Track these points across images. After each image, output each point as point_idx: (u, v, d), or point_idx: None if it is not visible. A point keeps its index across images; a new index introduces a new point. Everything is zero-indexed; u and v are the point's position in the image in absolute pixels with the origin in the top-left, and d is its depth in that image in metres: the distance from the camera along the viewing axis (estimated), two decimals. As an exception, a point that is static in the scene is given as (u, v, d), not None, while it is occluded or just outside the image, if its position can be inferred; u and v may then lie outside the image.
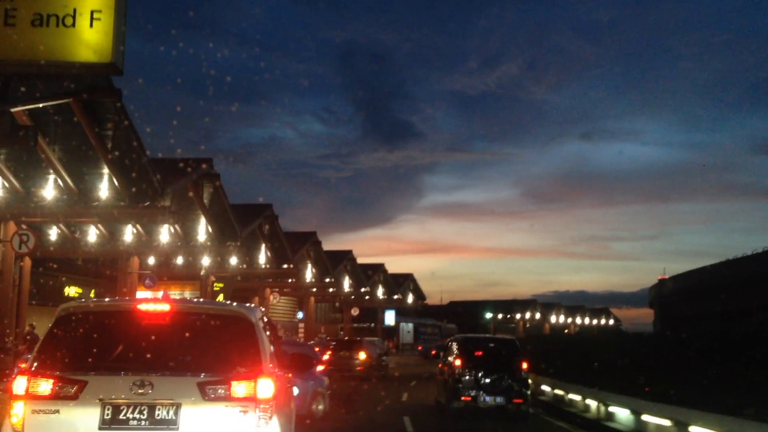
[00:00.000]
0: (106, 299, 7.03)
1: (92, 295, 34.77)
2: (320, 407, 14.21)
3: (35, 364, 5.54)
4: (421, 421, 15.91)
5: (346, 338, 35.01)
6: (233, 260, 36.28)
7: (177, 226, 28.18)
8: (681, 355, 12.95)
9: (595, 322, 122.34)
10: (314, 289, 49.97)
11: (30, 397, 5.37)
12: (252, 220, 33.11)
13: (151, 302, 5.89)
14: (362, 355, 28.75)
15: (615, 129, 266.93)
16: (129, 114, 19.07)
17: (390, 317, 73.40)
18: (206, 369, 5.51)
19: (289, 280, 43.47)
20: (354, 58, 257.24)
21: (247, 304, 6.55)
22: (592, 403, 15.46)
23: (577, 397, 16.85)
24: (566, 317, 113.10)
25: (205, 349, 5.72)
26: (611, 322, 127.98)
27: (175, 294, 37.95)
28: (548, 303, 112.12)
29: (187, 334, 5.80)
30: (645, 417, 12.46)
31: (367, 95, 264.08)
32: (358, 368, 28.19)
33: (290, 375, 7.42)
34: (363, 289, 57.56)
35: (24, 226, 20.90)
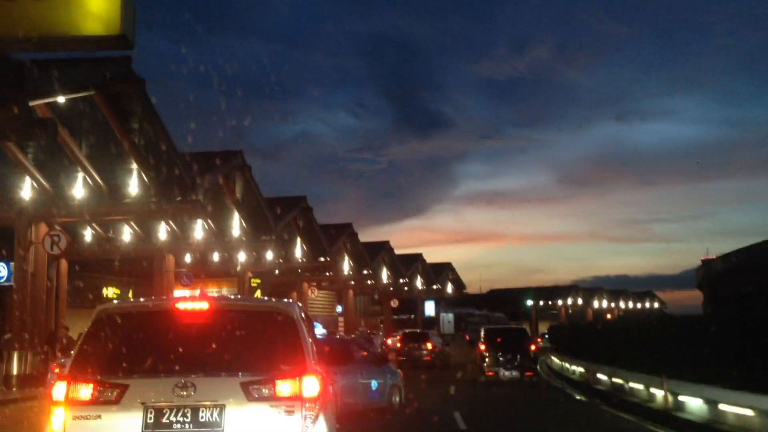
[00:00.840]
0: (143, 299, 6.79)
1: (130, 295, 34.53)
2: (396, 399, 14.62)
3: (74, 369, 5.41)
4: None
5: (415, 331, 37.81)
6: (269, 255, 35.70)
7: (210, 222, 27.64)
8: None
9: (639, 305, 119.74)
10: (352, 282, 49.28)
11: (70, 402, 5.24)
12: (286, 213, 32.44)
13: (189, 300, 5.70)
14: (429, 346, 32.23)
15: (650, 109, 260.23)
16: (155, 107, 18.44)
17: (430, 308, 72.44)
18: (249, 368, 5.36)
19: (327, 274, 42.81)
20: (382, 49, 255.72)
21: (286, 300, 6.32)
22: (658, 392, 14.32)
23: (639, 386, 15.71)
24: (609, 302, 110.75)
25: (246, 348, 5.56)
26: (656, 305, 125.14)
27: (212, 291, 37.61)
28: (590, 288, 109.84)
29: (227, 333, 5.63)
30: (723, 407, 11.36)
31: (396, 86, 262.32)
32: (426, 358, 31.53)
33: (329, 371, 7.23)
34: (401, 281, 56.71)
35: (57, 227, 20.48)
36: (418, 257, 62.68)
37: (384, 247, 52.48)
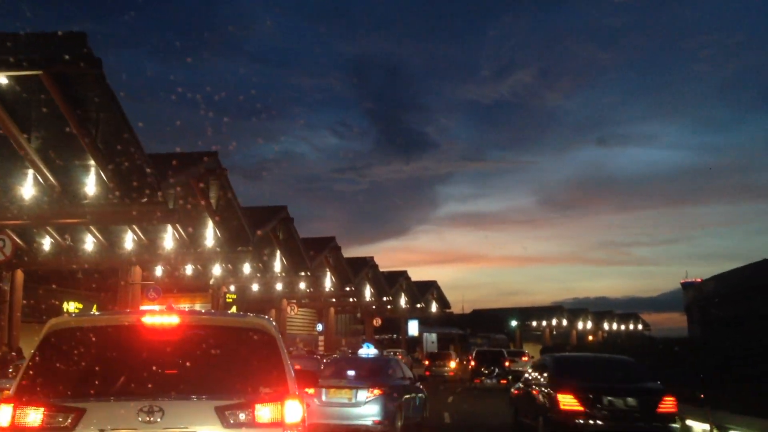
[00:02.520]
0: (104, 312, 6.31)
1: (94, 310, 32.00)
2: (427, 413, 15.78)
3: (21, 390, 4.76)
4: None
5: (438, 352, 49.58)
6: (246, 269, 33.39)
7: (181, 230, 25.31)
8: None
9: (623, 327, 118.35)
10: (334, 299, 46.94)
11: (17, 429, 4.64)
12: (265, 223, 30.15)
13: (157, 314, 5.07)
14: (452, 364, 39.63)
15: (631, 133, 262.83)
16: (116, 96, 16.22)
17: (413, 327, 70.18)
18: (225, 391, 4.86)
19: (308, 290, 40.48)
20: (367, 71, 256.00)
21: (264, 316, 5.69)
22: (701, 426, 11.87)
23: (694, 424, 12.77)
24: (594, 323, 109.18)
25: (221, 368, 5.03)
26: (639, 327, 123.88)
27: (183, 307, 35.19)
28: (575, 309, 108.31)
29: (199, 351, 5.07)
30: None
31: (381, 107, 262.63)
32: (449, 374, 38.14)
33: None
34: (385, 298, 54.44)
35: (1, 231, 18.14)
36: (403, 274, 60.49)
37: (368, 263, 50.23)
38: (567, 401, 11.36)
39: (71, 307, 31.15)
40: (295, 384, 5.16)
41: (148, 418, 4.64)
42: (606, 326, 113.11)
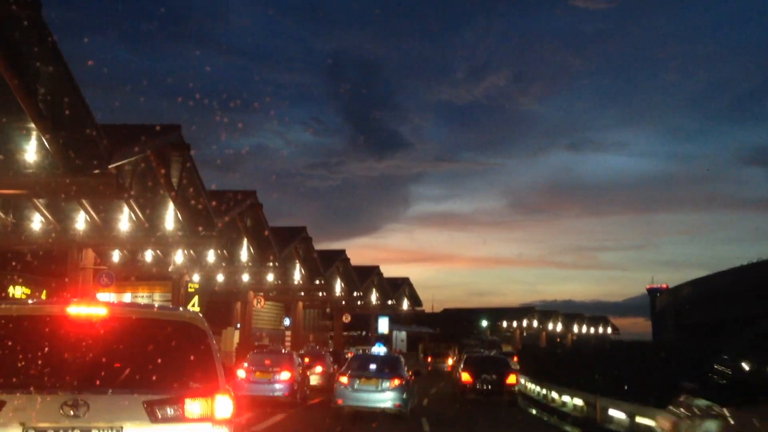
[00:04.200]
0: (27, 302, 5.93)
1: (44, 296, 29.70)
2: (416, 401, 19.39)
3: None
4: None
5: (439, 350, 54.09)
6: (210, 257, 31.37)
7: (138, 211, 23.25)
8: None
9: (592, 330, 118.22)
10: (303, 293, 45.01)
11: None
12: (232, 208, 28.15)
13: (84, 305, 4.91)
14: (450, 361, 46.27)
15: (601, 140, 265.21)
16: (60, 50, 14.18)
17: (384, 324, 68.57)
18: (153, 385, 4.74)
19: (276, 282, 38.48)
20: (342, 68, 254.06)
21: (191, 309, 4.00)
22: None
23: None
24: (564, 326, 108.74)
25: (151, 362, 4.86)
26: (609, 330, 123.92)
27: (142, 296, 32.98)
28: (546, 311, 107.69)
29: (128, 344, 4.95)
30: None
31: (355, 105, 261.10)
32: (447, 369, 44.12)
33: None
34: (356, 293, 52.64)
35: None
36: (375, 270, 58.72)
37: (339, 256, 48.38)
38: (465, 377, 23.79)
39: (18, 292, 28.82)
40: (225, 379, 5.06)
41: (71, 413, 4.50)
42: (576, 329, 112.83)
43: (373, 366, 17.36)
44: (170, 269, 27.55)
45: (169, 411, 4.71)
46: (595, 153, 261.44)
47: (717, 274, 54.51)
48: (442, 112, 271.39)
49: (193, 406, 4.76)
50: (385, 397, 16.46)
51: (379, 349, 19.90)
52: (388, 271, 64.00)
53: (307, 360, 23.81)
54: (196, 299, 31.96)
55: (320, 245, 47.00)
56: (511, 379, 23.71)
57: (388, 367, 17.30)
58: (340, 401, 16.76)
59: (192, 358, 4.98)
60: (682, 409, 8.13)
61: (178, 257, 29.90)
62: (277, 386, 19.28)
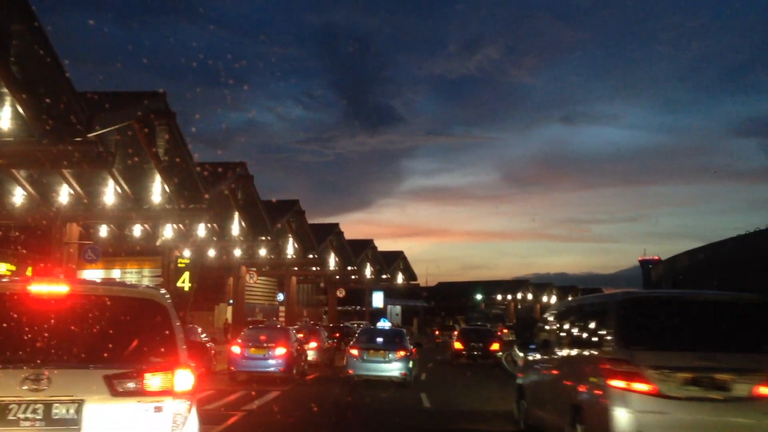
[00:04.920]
0: None
1: (29, 272, 28.88)
2: (416, 372, 20.04)
3: None
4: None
5: (449, 324, 55.51)
6: (201, 231, 30.55)
7: (123, 183, 22.39)
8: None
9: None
10: (296, 268, 44.33)
11: None
12: (221, 179, 27.28)
13: (45, 283, 5.09)
14: (456, 334, 47.05)
15: (594, 113, 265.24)
16: (38, 17, 13.23)
17: (378, 299, 68.07)
18: (114, 360, 4.93)
19: (269, 257, 37.74)
20: (334, 42, 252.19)
21: (154, 287, 5.77)
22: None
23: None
24: (558, 298, 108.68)
25: (112, 338, 5.08)
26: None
27: (131, 272, 32.20)
28: (540, 284, 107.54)
29: (89, 321, 5.08)
30: None
31: (347, 79, 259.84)
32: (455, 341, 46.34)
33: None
34: (350, 268, 51.97)
35: None
36: (369, 243, 57.99)
37: (333, 230, 47.59)
38: (458, 345, 28.32)
39: (2, 268, 28.01)
40: (186, 354, 5.20)
41: (34, 386, 4.66)
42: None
43: (380, 339, 19.04)
44: (158, 243, 26.65)
45: (129, 385, 4.83)
46: (589, 126, 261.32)
47: (716, 243, 54.05)
48: (434, 86, 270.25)
49: (153, 380, 4.89)
50: (392, 367, 18.08)
51: (384, 324, 22.23)
52: (382, 246, 63.33)
53: (301, 335, 23.16)
54: (186, 275, 31.16)
55: (313, 221, 46.27)
56: (495, 346, 28.39)
57: (393, 340, 18.98)
58: (351, 371, 18.40)
59: (153, 333, 5.14)
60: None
61: (168, 231, 29.09)
62: (273, 362, 18.79)
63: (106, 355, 4.91)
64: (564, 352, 9.02)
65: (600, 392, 7.26)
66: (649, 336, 7.40)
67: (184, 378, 5.02)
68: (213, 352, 21.34)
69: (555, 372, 9.12)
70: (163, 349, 5.05)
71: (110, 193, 22.68)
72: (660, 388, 6.86)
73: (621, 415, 6.86)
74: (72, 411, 4.74)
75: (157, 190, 23.05)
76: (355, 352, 18.47)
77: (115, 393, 4.80)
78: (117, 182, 21.96)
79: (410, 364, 18.32)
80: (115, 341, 5.01)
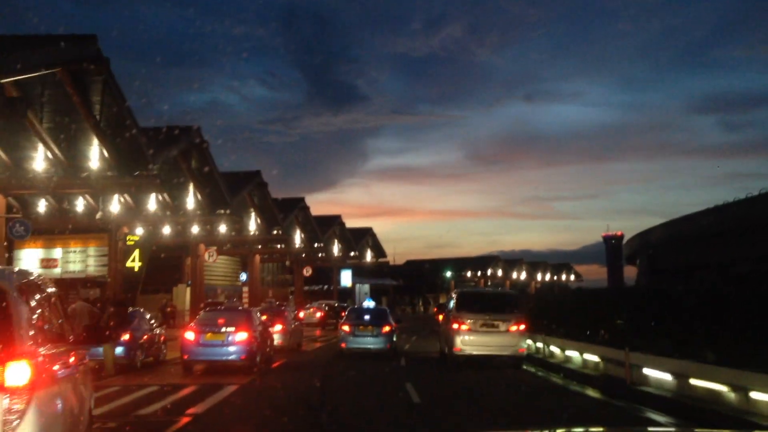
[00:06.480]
0: None
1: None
2: (395, 339, 21.80)
3: None
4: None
5: (440, 303, 51.95)
6: (152, 205, 27.60)
7: (54, 147, 19.39)
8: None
9: (556, 278, 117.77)
10: (260, 246, 41.52)
11: None
12: (172, 144, 24.33)
13: None
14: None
15: (556, 90, 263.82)
16: None
17: (347, 278, 65.61)
18: None
19: (231, 234, 34.90)
20: (297, 20, 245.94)
21: (6, 268, 5.44)
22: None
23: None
24: (528, 274, 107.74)
25: None
26: (572, 277, 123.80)
27: (74, 251, 29.09)
28: (511, 259, 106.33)
29: None
30: None
31: (311, 58, 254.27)
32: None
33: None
34: (317, 245, 49.33)
35: None
36: (336, 219, 55.36)
37: (298, 204, 44.80)
38: (456, 326, 18.57)
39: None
40: (32, 343, 4.72)
41: None
42: (539, 277, 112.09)
43: (367, 317, 21.52)
44: (98, 217, 23.69)
45: None
46: (551, 103, 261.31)
47: (687, 216, 52.65)
48: (398, 65, 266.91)
49: None
50: (379, 340, 20.54)
51: (369, 304, 26.92)
52: (348, 226, 60.59)
53: (264, 317, 20.56)
54: (136, 253, 28.17)
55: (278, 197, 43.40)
56: None
57: (379, 317, 21.56)
58: (343, 345, 20.63)
59: None
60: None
61: (114, 205, 26.11)
62: (232, 349, 16.18)
63: None
64: (444, 313, 20.90)
65: (450, 328, 17.84)
66: (467, 306, 18.02)
67: (19, 371, 4.41)
68: (162, 338, 18.66)
69: (442, 323, 20.56)
70: None
71: (39, 159, 19.68)
72: (471, 327, 17.31)
73: (457, 337, 17.38)
74: None
75: (95, 155, 20.11)
76: (346, 328, 20.84)
77: None
78: (47, 145, 18.98)
79: (394, 338, 21.03)
80: None
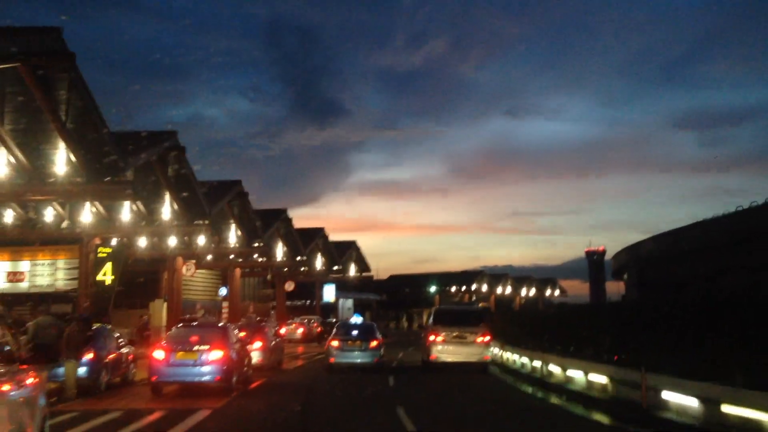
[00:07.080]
0: None
1: None
2: (383, 358, 22.12)
3: None
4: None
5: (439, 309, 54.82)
6: (125, 215, 26.19)
7: (18, 152, 18.02)
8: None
9: (540, 293, 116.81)
10: (240, 259, 40.10)
11: None
12: (147, 148, 22.97)
13: None
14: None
15: (538, 106, 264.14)
16: None
17: (330, 292, 64.20)
18: None
19: (210, 245, 33.48)
20: (280, 34, 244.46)
21: None
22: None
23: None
24: (513, 288, 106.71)
25: None
26: (557, 293, 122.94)
27: (43, 264, 27.43)
28: (496, 274, 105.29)
29: None
30: None
31: (294, 72, 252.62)
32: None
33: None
34: (299, 258, 47.93)
35: None
36: (320, 232, 53.98)
37: (280, 215, 43.40)
38: (432, 338, 21.62)
39: None
40: None
41: None
42: (524, 292, 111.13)
43: (355, 332, 22.07)
44: (63, 225, 22.26)
45: None
46: (533, 119, 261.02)
47: (683, 228, 51.90)
48: (382, 79, 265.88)
49: None
50: (367, 354, 21.01)
51: (357, 319, 28.21)
52: (331, 239, 59.19)
53: (243, 334, 19.21)
54: (108, 266, 26.81)
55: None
56: None
57: (367, 332, 22.11)
58: (332, 359, 21.00)
59: None
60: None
61: (86, 215, 24.70)
62: (206, 369, 14.84)
63: None
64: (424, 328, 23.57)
65: (427, 340, 21.15)
66: (442, 321, 21.26)
67: None
68: (131, 357, 17.25)
69: (422, 335, 23.04)
70: None
71: (2, 164, 18.29)
72: (445, 338, 20.61)
73: (432, 347, 20.72)
74: None
75: (62, 159, 18.74)
76: (335, 343, 21.15)
77: None
78: (8, 148, 17.59)
79: (381, 352, 21.38)
80: None
